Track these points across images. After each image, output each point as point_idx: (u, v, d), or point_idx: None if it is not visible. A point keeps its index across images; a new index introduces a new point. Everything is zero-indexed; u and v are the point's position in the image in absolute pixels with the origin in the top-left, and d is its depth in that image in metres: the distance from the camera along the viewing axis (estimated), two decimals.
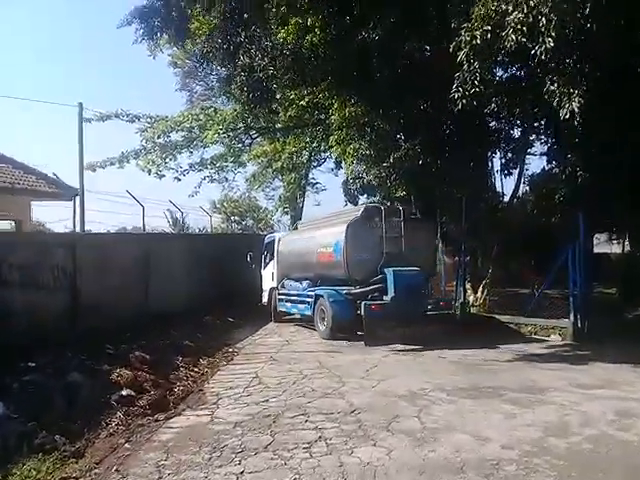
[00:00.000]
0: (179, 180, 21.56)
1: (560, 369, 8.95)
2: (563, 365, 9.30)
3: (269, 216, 33.63)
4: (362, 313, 10.98)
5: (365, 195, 31.42)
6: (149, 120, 21.45)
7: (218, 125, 20.23)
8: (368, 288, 11.47)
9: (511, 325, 13.16)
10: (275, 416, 6.42)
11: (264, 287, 16.73)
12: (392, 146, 13.33)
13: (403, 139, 12.96)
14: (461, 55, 8.03)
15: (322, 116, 17.25)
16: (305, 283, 13.58)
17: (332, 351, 10.80)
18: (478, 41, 7.76)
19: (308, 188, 30.85)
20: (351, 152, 14.64)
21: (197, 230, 29.51)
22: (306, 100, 14.30)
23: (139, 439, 5.80)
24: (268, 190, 32.87)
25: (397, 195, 14.59)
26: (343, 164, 15.85)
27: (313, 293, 12.82)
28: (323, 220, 14.52)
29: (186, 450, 5.36)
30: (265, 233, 22.62)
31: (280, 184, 30.05)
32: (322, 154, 26.81)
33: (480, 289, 15.01)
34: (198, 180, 22.95)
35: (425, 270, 11.89)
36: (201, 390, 7.77)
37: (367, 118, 13.40)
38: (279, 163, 25.43)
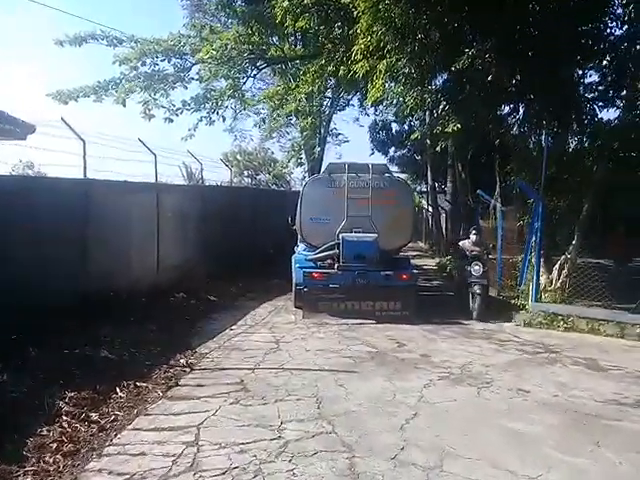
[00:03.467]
0: (171, 121, 17.69)
1: None
2: None
3: (283, 169, 29.19)
4: (301, 280, 10.06)
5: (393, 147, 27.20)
6: (134, 45, 17.46)
7: (211, 46, 16.04)
8: (320, 254, 10.27)
9: (609, 324, 9.04)
10: None
11: None
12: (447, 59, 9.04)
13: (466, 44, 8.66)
14: None
15: (345, 30, 12.80)
16: (302, 245, 11.34)
17: (341, 369, 6.66)
18: None
19: (329, 139, 26.61)
20: (383, 70, 10.14)
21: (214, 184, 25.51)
22: None
23: None
24: (284, 141, 28.92)
25: (447, 131, 10.19)
26: (370, 88, 11.31)
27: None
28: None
29: None
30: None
31: (298, 134, 25.87)
32: (344, 93, 22.52)
33: (557, 267, 10.75)
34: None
35: (397, 236, 10.63)
36: None
37: (409, 20, 9.07)
38: (293, 105, 21.26)
